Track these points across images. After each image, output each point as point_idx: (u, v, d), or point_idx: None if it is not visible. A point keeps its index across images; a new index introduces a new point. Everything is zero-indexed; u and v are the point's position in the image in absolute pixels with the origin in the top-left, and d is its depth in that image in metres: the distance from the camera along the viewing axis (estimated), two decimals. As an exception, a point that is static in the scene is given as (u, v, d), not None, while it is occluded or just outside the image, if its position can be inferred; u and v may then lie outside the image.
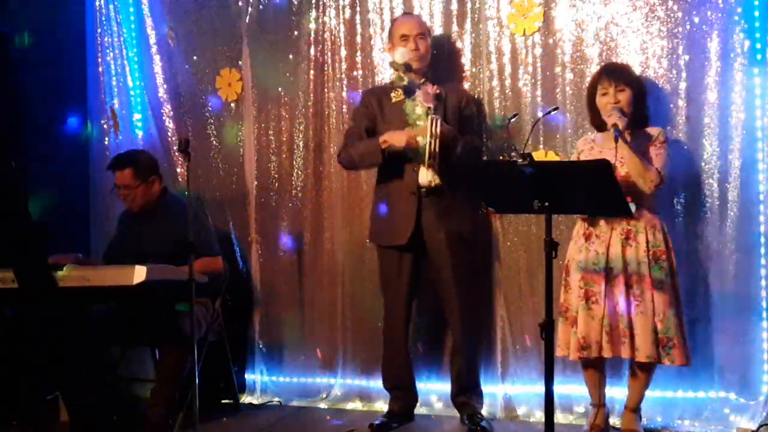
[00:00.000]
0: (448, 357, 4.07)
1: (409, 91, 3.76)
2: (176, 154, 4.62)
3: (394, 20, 4.01)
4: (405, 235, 3.75)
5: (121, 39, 4.76)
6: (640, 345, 3.35)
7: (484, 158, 3.98)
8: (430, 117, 3.61)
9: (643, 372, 3.49)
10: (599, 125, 3.59)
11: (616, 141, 3.26)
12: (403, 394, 3.93)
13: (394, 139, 3.67)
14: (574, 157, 3.66)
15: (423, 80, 3.79)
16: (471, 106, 3.88)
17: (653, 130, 3.52)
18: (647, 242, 3.40)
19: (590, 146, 3.60)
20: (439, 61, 4.05)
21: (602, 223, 3.47)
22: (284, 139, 4.49)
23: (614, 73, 3.55)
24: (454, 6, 4.12)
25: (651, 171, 3.36)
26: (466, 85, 4.10)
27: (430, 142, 3.56)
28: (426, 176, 3.70)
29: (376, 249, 3.97)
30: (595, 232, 3.48)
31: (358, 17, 4.32)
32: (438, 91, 3.65)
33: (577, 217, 3.60)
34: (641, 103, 3.54)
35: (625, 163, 3.35)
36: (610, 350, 3.38)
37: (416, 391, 3.98)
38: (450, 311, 3.84)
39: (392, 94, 3.82)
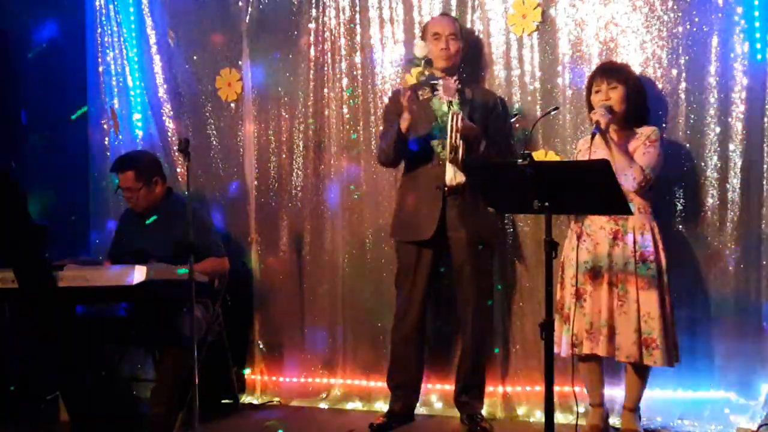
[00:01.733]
0: (449, 357, 4.08)
1: (432, 87, 3.75)
2: (176, 154, 4.61)
3: (430, 19, 4.01)
4: (429, 230, 3.74)
5: (121, 39, 4.76)
6: (621, 344, 3.35)
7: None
8: (451, 111, 3.60)
9: (637, 372, 3.49)
10: None
11: (593, 137, 3.28)
12: (405, 394, 3.93)
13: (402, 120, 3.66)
14: (574, 158, 3.66)
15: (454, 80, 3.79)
16: (499, 109, 3.87)
17: (645, 129, 3.50)
18: (634, 242, 3.40)
19: (587, 146, 3.59)
20: (465, 62, 4.03)
21: (590, 221, 3.47)
22: (284, 139, 4.49)
23: (607, 70, 3.56)
24: (454, 6, 4.12)
25: (634, 168, 3.36)
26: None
27: (452, 137, 3.56)
28: (451, 173, 3.70)
29: (395, 245, 3.96)
30: (586, 231, 3.48)
31: (358, 17, 4.32)
32: (459, 86, 3.64)
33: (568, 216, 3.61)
34: (636, 102, 3.53)
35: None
36: (589, 347, 3.39)
37: (419, 391, 3.98)
38: (464, 312, 3.84)
39: (420, 92, 3.81)
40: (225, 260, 4.13)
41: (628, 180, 3.35)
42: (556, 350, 3.47)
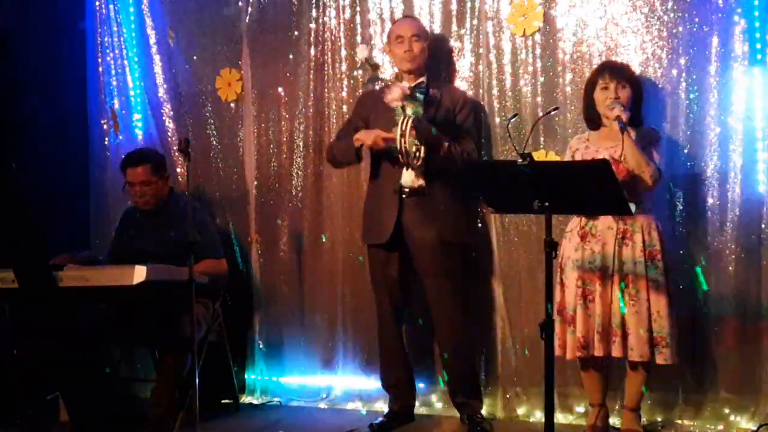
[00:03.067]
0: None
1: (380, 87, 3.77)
2: (176, 154, 4.62)
3: (393, 23, 4.01)
4: (386, 233, 3.76)
5: (121, 39, 4.77)
6: (634, 344, 3.35)
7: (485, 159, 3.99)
8: (401, 116, 3.59)
9: (638, 372, 3.48)
10: (593, 121, 3.60)
11: (622, 133, 3.26)
12: (402, 393, 3.93)
13: (363, 136, 3.69)
14: (567, 156, 3.66)
15: (421, 80, 3.80)
16: (466, 110, 3.85)
17: (648, 129, 3.52)
18: (643, 242, 3.40)
19: (585, 145, 3.60)
20: (438, 62, 4.05)
21: (600, 221, 3.47)
22: (284, 139, 4.50)
23: (616, 69, 3.55)
24: (454, 6, 4.12)
25: (651, 166, 3.36)
26: (465, 85, 4.10)
27: (400, 141, 3.57)
28: (408, 177, 3.71)
29: (366, 248, 3.97)
30: (591, 231, 3.48)
31: (358, 17, 4.32)
32: (408, 90, 3.62)
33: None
34: (638, 104, 3.54)
35: (628, 157, 3.34)
36: (602, 349, 3.38)
37: (415, 390, 3.98)
38: (435, 314, 3.84)
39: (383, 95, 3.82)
40: (222, 262, 4.12)
41: (646, 177, 3.34)
42: (558, 353, 3.47)
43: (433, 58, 3.97)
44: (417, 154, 3.62)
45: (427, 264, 3.77)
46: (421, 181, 3.72)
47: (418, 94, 3.72)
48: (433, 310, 3.84)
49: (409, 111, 3.59)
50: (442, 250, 3.76)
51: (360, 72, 4.32)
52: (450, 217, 3.76)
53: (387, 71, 4.20)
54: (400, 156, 3.61)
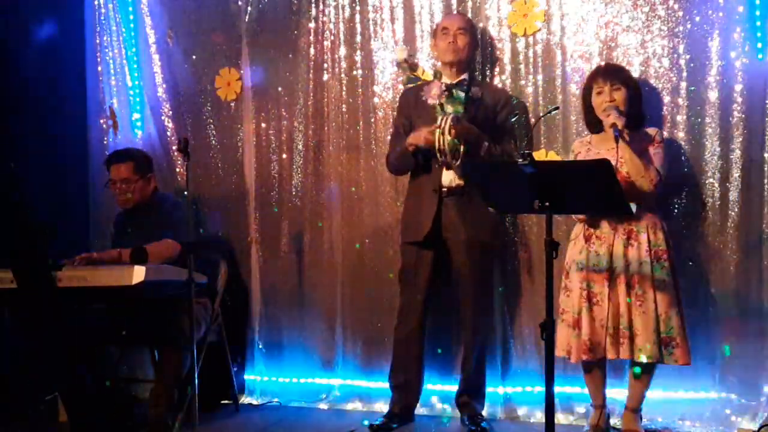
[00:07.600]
0: (450, 357, 4.08)
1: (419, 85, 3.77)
2: (176, 154, 4.62)
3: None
4: (423, 231, 3.75)
5: (120, 38, 4.76)
6: (642, 345, 3.34)
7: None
8: (440, 115, 3.60)
9: (642, 373, 3.48)
10: (594, 125, 3.59)
11: (617, 141, 3.26)
12: (406, 395, 3.93)
13: (415, 139, 3.68)
14: (570, 159, 3.65)
15: (462, 77, 3.78)
16: (507, 110, 3.86)
17: (650, 130, 3.50)
18: (649, 242, 3.39)
19: (587, 148, 3.59)
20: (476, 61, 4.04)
21: (604, 224, 3.46)
22: (284, 139, 4.49)
23: (609, 72, 3.55)
24: (454, 6, 4.11)
25: (650, 170, 3.36)
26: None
27: (439, 139, 3.56)
28: (448, 176, 3.71)
29: (399, 246, 3.96)
30: (595, 233, 3.47)
31: (358, 17, 4.32)
32: (444, 88, 3.63)
33: (576, 218, 3.60)
34: (637, 103, 3.53)
35: (625, 163, 3.34)
36: (613, 351, 3.38)
37: (420, 391, 3.98)
38: (465, 312, 3.83)
39: (422, 93, 3.80)
40: (170, 242, 3.88)
41: (645, 182, 3.34)
42: (558, 354, 3.45)
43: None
44: (456, 153, 3.61)
45: (464, 261, 3.76)
46: (460, 181, 3.70)
47: (459, 92, 3.71)
48: (463, 309, 3.83)
49: (448, 109, 3.58)
50: (479, 250, 3.76)
51: (360, 72, 4.31)
52: (488, 218, 3.74)
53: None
54: (438, 155, 3.59)
